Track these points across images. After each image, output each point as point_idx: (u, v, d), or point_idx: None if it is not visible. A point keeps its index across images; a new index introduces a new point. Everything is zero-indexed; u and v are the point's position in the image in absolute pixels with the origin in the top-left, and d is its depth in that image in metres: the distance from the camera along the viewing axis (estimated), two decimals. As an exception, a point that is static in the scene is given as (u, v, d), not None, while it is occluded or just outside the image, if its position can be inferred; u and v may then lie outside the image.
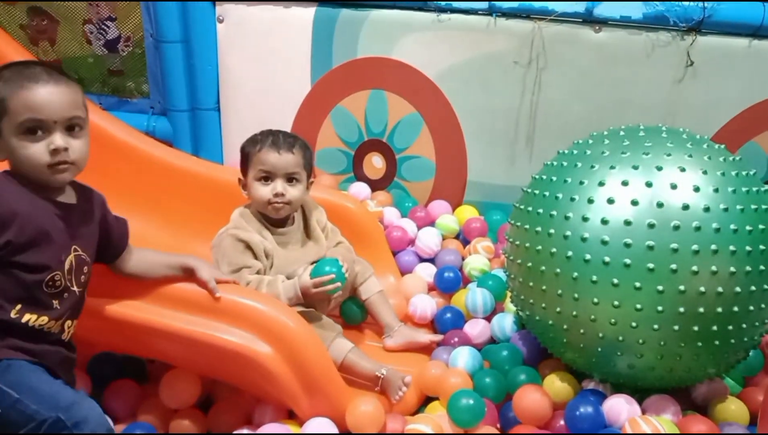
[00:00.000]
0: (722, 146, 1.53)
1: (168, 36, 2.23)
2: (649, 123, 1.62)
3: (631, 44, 2.08)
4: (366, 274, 1.80)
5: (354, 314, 1.81)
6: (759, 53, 2.06)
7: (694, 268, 1.35)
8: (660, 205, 1.38)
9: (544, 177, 1.57)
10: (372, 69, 2.23)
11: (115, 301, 1.42)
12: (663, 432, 1.34)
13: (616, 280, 1.37)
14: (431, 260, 2.10)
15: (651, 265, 1.35)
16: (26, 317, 1.22)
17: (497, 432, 1.50)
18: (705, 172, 1.42)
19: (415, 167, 2.34)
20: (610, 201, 1.41)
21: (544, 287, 1.48)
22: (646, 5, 2.04)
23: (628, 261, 1.37)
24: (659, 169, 1.42)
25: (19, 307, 1.21)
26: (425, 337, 1.76)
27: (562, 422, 1.48)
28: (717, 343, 1.40)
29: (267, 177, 1.64)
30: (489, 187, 2.31)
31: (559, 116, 2.19)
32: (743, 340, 1.43)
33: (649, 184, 1.40)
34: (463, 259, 2.07)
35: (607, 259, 1.38)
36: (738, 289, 1.36)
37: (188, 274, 1.43)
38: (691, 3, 2.01)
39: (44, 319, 1.24)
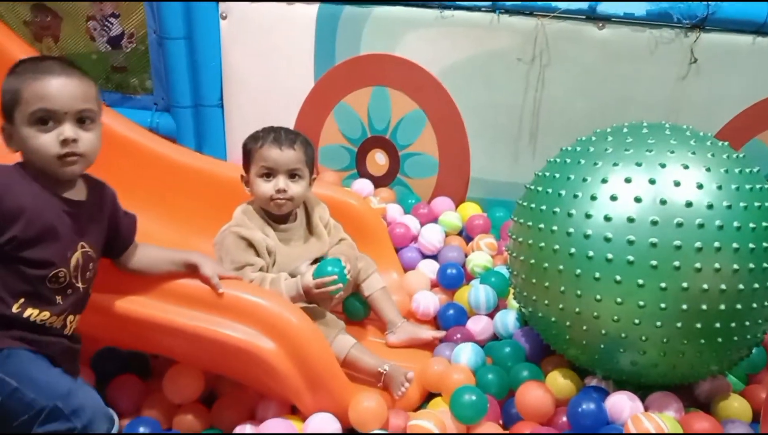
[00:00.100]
0: (726, 143, 1.53)
1: (171, 32, 2.23)
2: (653, 120, 1.61)
3: (634, 41, 2.08)
4: (369, 270, 1.80)
5: (357, 310, 1.82)
6: (763, 50, 2.06)
7: (697, 265, 1.35)
8: (663, 202, 1.38)
9: (547, 174, 1.57)
10: (375, 66, 2.23)
11: (119, 296, 1.42)
12: (665, 429, 1.34)
13: (619, 277, 1.37)
14: (434, 257, 2.10)
15: (654, 262, 1.35)
16: (28, 312, 1.23)
17: (500, 428, 1.50)
18: (708, 170, 1.41)
19: (418, 164, 2.34)
20: (613, 198, 1.41)
21: (546, 284, 1.48)
22: (650, 2, 2.03)
23: (631, 258, 1.36)
24: (662, 166, 1.42)
25: (21, 301, 1.22)
26: (428, 333, 1.77)
27: (564, 419, 1.48)
28: (720, 340, 1.40)
29: (269, 173, 1.64)
30: (492, 183, 2.31)
31: (562, 113, 2.19)
32: (746, 337, 1.43)
33: (652, 181, 1.40)
34: (465, 255, 2.07)
35: (610, 256, 1.38)
36: (741, 286, 1.36)
37: (191, 270, 1.43)
38: (695, 0, 2.01)
39: (46, 314, 1.24)
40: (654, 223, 1.37)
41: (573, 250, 1.42)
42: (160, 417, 1.50)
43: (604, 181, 1.44)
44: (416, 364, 1.64)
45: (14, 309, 1.21)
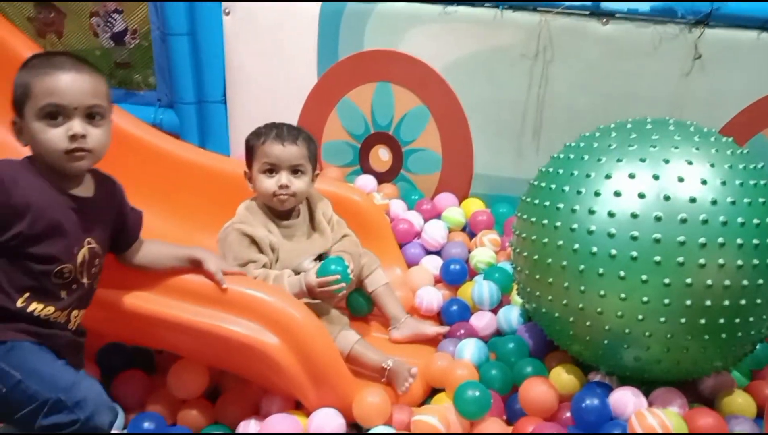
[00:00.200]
0: (730, 139, 1.53)
1: (175, 29, 2.23)
2: (657, 116, 1.61)
3: (638, 37, 2.08)
4: (372, 266, 1.80)
5: (360, 306, 1.82)
6: (767, 46, 2.05)
7: (701, 261, 1.34)
8: (667, 197, 1.37)
9: (551, 169, 1.57)
10: (378, 62, 2.23)
11: (123, 292, 1.42)
12: (670, 425, 1.34)
13: (622, 273, 1.37)
14: (437, 253, 2.10)
15: (658, 258, 1.35)
16: (33, 307, 1.23)
17: (503, 424, 1.50)
18: (712, 165, 1.41)
19: (422, 160, 2.34)
20: (617, 194, 1.41)
21: (550, 280, 1.48)
22: (654, -2, 2.04)
23: (634, 254, 1.36)
24: (666, 162, 1.41)
25: (26, 295, 1.22)
26: (431, 328, 1.77)
27: (568, 414, 1.48)
28: (724, 336, 1.39)
29: (271, 169, 1.64)
30: (495, 179, 2.31)
31: (566, 109, 2.18)
32: (750, 333, 1.43)
33: (656, 177, 1.40)
34: (469, 251, 2.07)
35: (613, 251, 1.38)
36: (745, 282, 1.36)
37: (195, 266, 1.43)
38: (699, -3, 2.00)
39: (50, 309, 1.25)
40: (658, 218, 1.36)
41: (577, 245, 1.42)
42: (164, 412, 1.51)
43: (607, 176, 1.43)
44: (420, 359, 1.64)
45: (19, 303, 1.22)
